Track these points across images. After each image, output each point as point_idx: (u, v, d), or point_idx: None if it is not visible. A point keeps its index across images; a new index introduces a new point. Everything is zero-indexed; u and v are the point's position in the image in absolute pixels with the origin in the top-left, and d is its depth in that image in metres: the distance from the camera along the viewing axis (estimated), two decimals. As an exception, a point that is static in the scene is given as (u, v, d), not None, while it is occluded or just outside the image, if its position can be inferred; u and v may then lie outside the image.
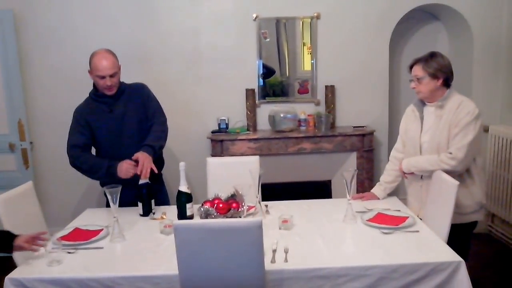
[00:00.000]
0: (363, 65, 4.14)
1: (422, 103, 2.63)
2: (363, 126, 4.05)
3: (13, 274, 1.95)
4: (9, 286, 1.92)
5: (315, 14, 4.08)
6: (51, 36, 4.02)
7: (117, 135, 2.76)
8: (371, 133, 3.97)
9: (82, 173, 2.80)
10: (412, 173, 2.61)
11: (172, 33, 4.05)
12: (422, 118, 2.61)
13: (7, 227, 2.25)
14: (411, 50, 4.31)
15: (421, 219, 2.46)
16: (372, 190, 2.86)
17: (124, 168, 2.59)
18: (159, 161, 2.88)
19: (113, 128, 2.75)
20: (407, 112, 2.76)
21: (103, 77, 2.66)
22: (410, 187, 2.71)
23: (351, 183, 2.38)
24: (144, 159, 2.58)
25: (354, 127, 4.05)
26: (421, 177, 2.59)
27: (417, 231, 2.25)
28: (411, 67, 2.58)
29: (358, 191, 3.75)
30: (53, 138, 4.12)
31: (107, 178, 2.63)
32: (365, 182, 3.91)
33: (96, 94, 2.79)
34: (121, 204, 2.32)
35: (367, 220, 2.38)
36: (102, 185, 2.77)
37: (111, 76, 2.67)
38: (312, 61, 4.14)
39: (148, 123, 2.82)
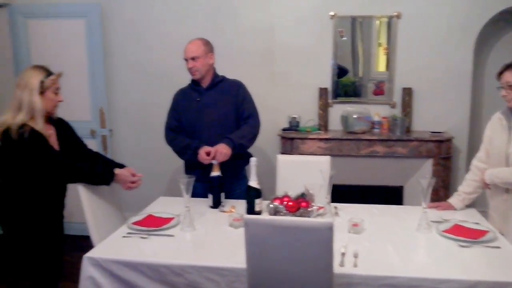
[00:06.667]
0: (444, 68, 3.95)
1: (511, 112, 2.45)
2: (441, 132, 3.86)
3: (91, 254, 2.06)
4: (87, 264, 2.02)
5: (396, 14, 3.94)
6: (133, 30, 4.21)
7: (197, 123, 2.86)
8: (449, 140, 3.78)
9: (174, 152, 2.95)
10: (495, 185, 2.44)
11: (248, 29, 4.09)
12: (510, 128, 2.43)
13: (87, 211, 2.37)
14: (499, 55, 4.04)
15: (503, 235, 2.30)
16: (449, 200, 2.71)
17: (200, 157, 2.72)
18: (243, 157, 2.91)
19: (195, 116, 2.86)
20: (493, 120, 2.58)
21: (186, 60, 2.82)
22: (492, 200, 2.54)
23: (427, 191, 2.27)
24: (219, 147, 2.69)
25: (431, 132, 3.87)
26: (506, 191, 2.42)
27: (499, 247, 2.10)
28: (500, 73, 2.41)
29: (432, 200, 3.57)
30: (131, 126, 4.33)
31: (195, 159, 2.76)
32: (440, 191, 3.73)
33: (193, 80, 2.92)
34: (193, 196, 2.38)
35: (443, 231, 2.25)
36: (186, 170, 2.93)
37: (192, 59, 2.79)
38: (389, 62, 4.01)
39: (237, 121, 2.90)
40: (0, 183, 2.35)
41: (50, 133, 2.37)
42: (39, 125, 2.27)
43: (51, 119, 2.42)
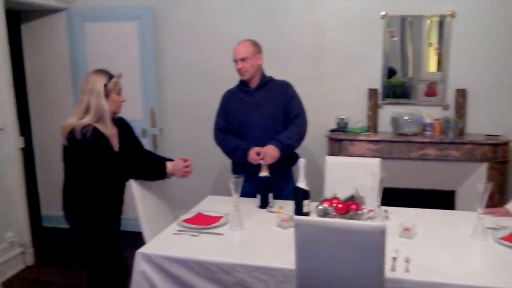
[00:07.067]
0: (501, 68, 3.80)
1: None
2: (497, 135, 3.71)
3: (143, 249, 2.12)
4: (139, 260, 2.09)
5: (450, 13, 3.82)
6: (183, 31, 4.30)
7: (246, 123, 2.89)
8: (506, 143, 3.62)
9: (224, 152, 2.99)
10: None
11: (296, 29, 4.09)
12: None
13: (140, 208, 2.45)
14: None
15: None
16: (506, 206, 2.60)
17: (250, 157, 2.74)
18: (291, 157, 2.93)
19: (243, 116, 2.89)
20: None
21: (236, 61, 2.85)
22: (554, 207, 2.42)
23: (483, 196, 2.18)
24: (268, 149, 2.69)
25: (486, 135, 3.73)
26: None
27: (561, 257, 1.99)
28: None
29: (486, 206, 3.43)
30: (180, 126, 4.43)
31: (244, 160, 2.79)
32: (495, 196, 3.57)
33: (241, 81, 2.96)
34: (241, 195, 2.40)
35: (500, 238, 2.16)
36: (234, 170, 2.96)
37: (242, 59, 2.83)
38: (441, 63, 3.89)
39: (285, 121, 2.90)
40: (66, 180, 2.48)
41: (112, 132, 2.47)
42: (108, 126, 2.39)
43: (113, 119, 2.52)
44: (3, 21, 3.54)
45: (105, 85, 2.37)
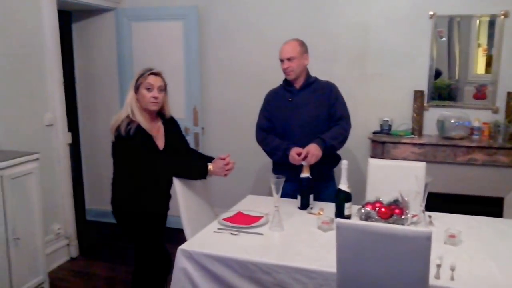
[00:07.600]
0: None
1: None
2: (550, 141, 3.53)
3: (184, 246, 2.15)
4: (180, 256, 2.12)
5: (503, 12, 3.67)
6: (227, 31, 4.33)
7: (289, 124, 2.86)
8: (560, 150, 3.45)
9: (265, 152, 2.99)
10: None
11: (341, 28, 4.04)
12: None
13: (182, 206, 2.49)
14: None
15: None
16: (559, 216, 2.48)
17: (291, 157, 2.70)
18: (332, 158, 2.91)
19: (287, 116, 2.87)
20: None
21: (282, 60, 2.84)
22: None
23: (535, 205, 2.09)
24: (311, 148, 2.66)
25: (539, 141, 3.55)
26: None
27: None
28: None
29: (537, 214, 3.29)
30: (221, 125, 4.46)
31: (284, 160, 2.77)
32: (547, 205, 3.41)
33: (285, 81, 2.95)
34: (281, 195, 2.39)
35: (553, 249, 2.06)
36: (275, 170, 2.95)
37: (288, 59, 2.81)
38: (491, 64, 3.74)
39: (328, 122, 2.87)
40: (115, 175, 2.56)
41: (158, 127, 2.53)
42: (146, 119, 2.44)
43: (163, 117, 2.58)
44: (56, 20, 3.68)
45: (136, 79, 2.44)
